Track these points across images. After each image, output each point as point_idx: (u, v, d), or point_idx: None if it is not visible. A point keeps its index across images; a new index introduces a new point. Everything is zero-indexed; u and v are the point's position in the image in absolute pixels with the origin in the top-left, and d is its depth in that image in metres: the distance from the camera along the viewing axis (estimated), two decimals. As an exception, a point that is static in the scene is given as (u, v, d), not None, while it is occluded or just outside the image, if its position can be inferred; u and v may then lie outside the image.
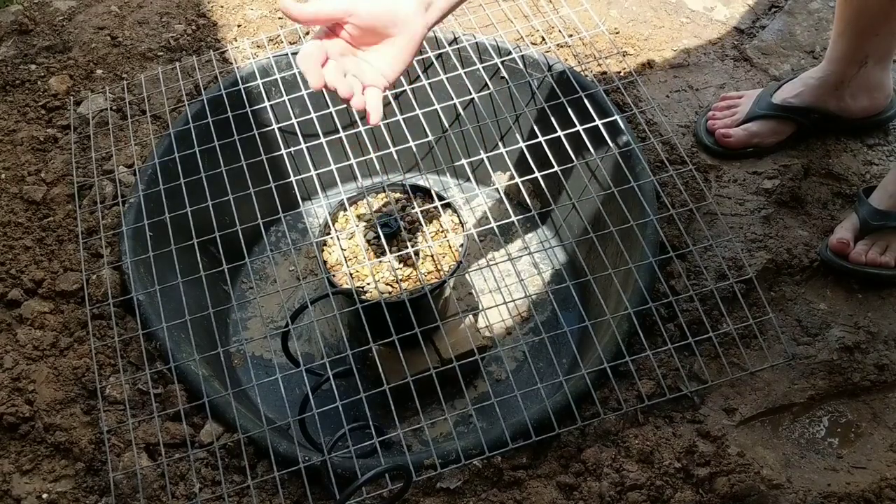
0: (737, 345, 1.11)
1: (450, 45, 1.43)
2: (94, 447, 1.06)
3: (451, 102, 1.32)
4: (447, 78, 1.35)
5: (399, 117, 1.29)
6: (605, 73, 1.41)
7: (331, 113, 1.31)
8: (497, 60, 1.39)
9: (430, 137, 1.27)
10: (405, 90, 1.36)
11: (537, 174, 1.22)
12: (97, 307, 1.19)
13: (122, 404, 1.10)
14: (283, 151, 1.28)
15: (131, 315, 1.19)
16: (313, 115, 1.30)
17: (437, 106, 1.30)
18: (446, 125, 1.30)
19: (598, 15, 1.51)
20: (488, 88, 1.37)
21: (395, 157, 1.25)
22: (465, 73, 1.35)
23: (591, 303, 1.32)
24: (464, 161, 1.25)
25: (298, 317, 1.17)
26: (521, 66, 1.40)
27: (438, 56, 1.43)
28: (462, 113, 1.33)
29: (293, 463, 1.02)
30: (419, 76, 1.43)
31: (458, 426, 1.31)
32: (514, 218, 1.22)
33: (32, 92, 1.46)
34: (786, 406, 1.08)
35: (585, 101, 1.27)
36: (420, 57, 1.43)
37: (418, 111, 1.30)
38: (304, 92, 1.35)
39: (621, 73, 1.42)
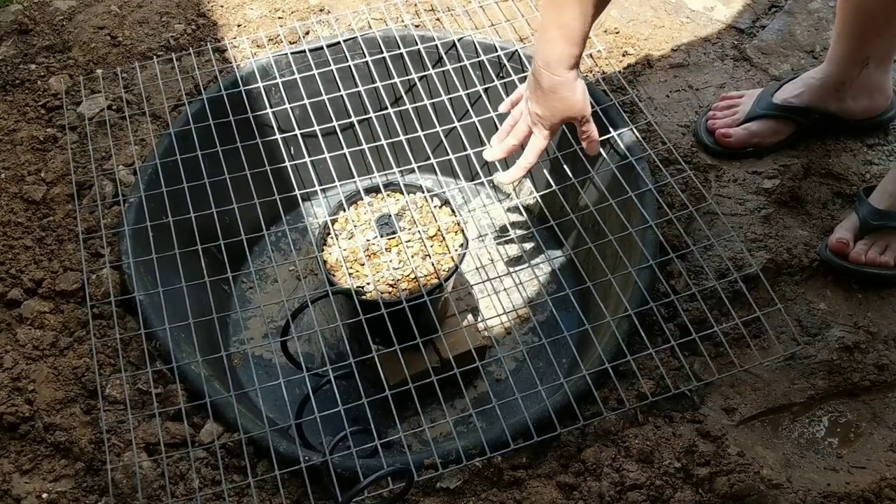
0: (737, 345, 1.11)
1: (450, 45, 1.43)
2: (93, 447, 1.06)
3: (451, 103, 1.32)
4: (447, 78, 1.35)
5: (399, 117, 1.29)
6: (605, 73, 1.41)
7: (330, 113, 1.31)
8: (497, 60, 1.39)
9: (430, 137, 1.27)
10: (405, 90, 1.36)
11: (536, 173, 1.22)
12: (97, 307, 1.19)
13: (123, 404, 1.10)
14: (283, 151, 1.28)
15: (131, 315, 1.19)
16: (313, 114, 1.30)
17: (437, 106, 1.30)
18: (446, 125, 1.30)
19: (598, 15, 1.50)
20: (488, 88, 1.37)
21: (395, 157, 1.25)
22: (465, 73, 1.35)
23: (592, 302, 1.32)
24: (463, 161, 1.25)
25: (298, 316, 1.17)
26: (521, 66, 1.40)
27: (438, 56, 1.43)
28: (462, 113, 1.33)
29: (293, 462, 1.02)
30: (419, 76, 1.43)
31: (458, 426, 1.31)
32: (513, 218, 1.22)
33: (32, 92, 1.46)
34: (786, 406, 1.08)
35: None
36: (420, 57, 1.43)
37: (418, 111, 1.30)
38: (303, 92, 1.35)
39: (621, 73, 1.42)
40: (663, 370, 1.09)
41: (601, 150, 1.24)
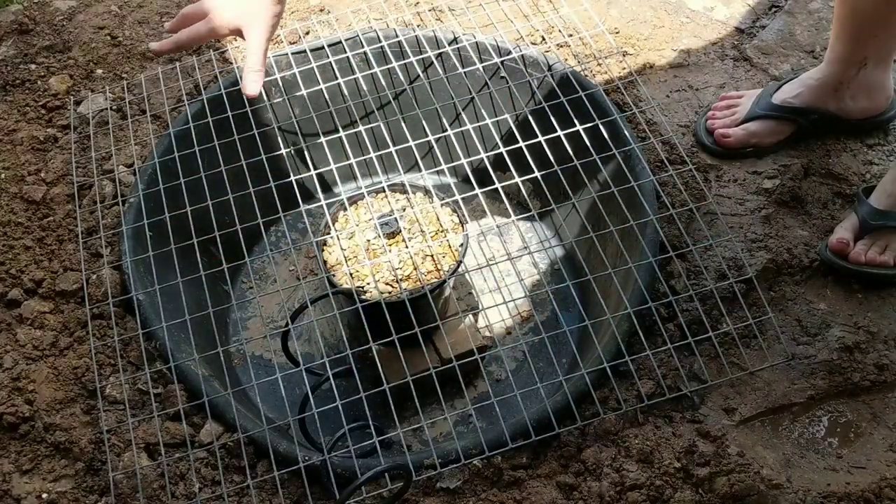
0: (737, 345, 1.11)
1: (450, 45, 1.43)
2: (93, 447, 1.06)
3: (451, 102, 1.32)
4: (447, 78, 1.35)
5: (399, 117, 1.29)
6: (605, 72, 1.41)
7: (331, 112, 1.31)
8: (497, 60, 1.39)
9: (430, 137, 1.27)
10: (405, 90, 1.36)
11: (537, 174, 1.22)
12: (97, 307, 1.19)
13: (122, 404, 1.10)
14: (283, 151, 1.28)
15: (131, 315, 1.19)
16: (313, 114, 1.30)
17: (437, 105, 1.30)
18: (446, 125, 1.30)
19: (598, 15, 1.51)
20: (488, 88, 1.37)
21: (395, 157, 1.25)
22: (465, 73, 1.35)
23: (591, 302, 1.32)
24: (464, 161, 1.25)
25: (298, 317, 1.17)
26: (522, 66, 1.40)
27: (438, 56, 1.43)
28: (462, 113, 1.33)
29: (293, 462, 1.02)
30: (419, 76, 1.44)
31: (458, 426, 1.31)
32: (514, 218, 1.22)
33: (32, 92, 1.46)
34: (786, 406, 1.08)
35: (585, 100, 1.27)
36: (420, 56, 1.43)
37: (418, 111, 1.30)
38: (303, 91, 1.35)
39: (621, 73, 1.42)
40: (661, 371, 1.09)
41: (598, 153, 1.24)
